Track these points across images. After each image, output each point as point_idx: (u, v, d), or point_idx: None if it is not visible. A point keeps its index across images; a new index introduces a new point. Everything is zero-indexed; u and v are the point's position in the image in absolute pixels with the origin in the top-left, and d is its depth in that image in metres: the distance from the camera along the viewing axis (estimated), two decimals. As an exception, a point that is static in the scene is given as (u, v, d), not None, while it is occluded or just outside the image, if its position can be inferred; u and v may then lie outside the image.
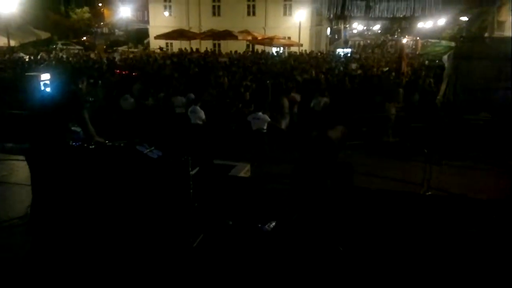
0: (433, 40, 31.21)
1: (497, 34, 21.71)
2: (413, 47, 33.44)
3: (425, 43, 31.94)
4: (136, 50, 37.96)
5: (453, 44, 14.62)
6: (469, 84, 11.98)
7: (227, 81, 15.80)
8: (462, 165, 10.12)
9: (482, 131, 11.28)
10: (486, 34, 20.89)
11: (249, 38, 32.35)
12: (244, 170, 8.27)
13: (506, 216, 5.61)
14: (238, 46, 32.33)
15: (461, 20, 35.68)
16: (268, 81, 14.04)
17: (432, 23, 46.52)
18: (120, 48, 38.72)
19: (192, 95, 11.89)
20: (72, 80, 5.15)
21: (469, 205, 6.33)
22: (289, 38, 34.71)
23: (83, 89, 5.35)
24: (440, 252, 4.60)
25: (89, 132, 4.86)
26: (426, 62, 20.62)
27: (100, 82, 13.46)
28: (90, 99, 12.63)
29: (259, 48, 33.32)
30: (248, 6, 38.80)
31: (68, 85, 5.02)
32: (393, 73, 17.71)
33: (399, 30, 61.12)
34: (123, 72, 17.98)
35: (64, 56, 27.79)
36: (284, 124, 11.61)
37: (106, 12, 54.52)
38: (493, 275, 4.19)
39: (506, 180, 9.38)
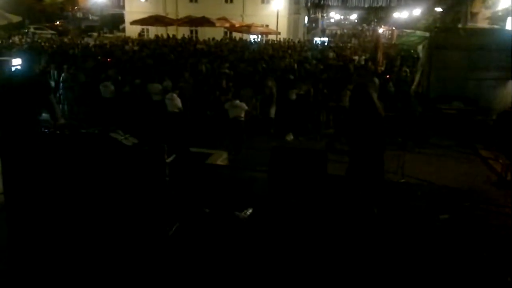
0: (408, 30, 31.55)
1: (470, 25, 22.09)
2: (389, 37, 33.74)
3: (400, 33, 32.28)
4: (111, 35, 37.18)
5: (427, 34, 14.78)
6: (442, 74, 12.20)
7: (204, 68, 15.66)
8: (436, 153, 10.36)
9: (455, 120, 11.55)
10: (460, 25, 21.23)
11: (227, 25, 32.06)
12: (221, 158, 8.27)
13: (478, 202, 5.78)
14: (215, 33, 32.02)
15: (436, 11, 36.18)
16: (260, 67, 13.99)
17: (408, 14, 47.10)
18: (95, 34, 37.87)
19: (169, 83, 11.76)
20: (41, 65, 5.05)
21: (441, 192, 6.50)
22: (267, 26, 34.57)
23: (53, 73, 5.27)
24: (413, 237, 4.71)
25: (55, 115, 4.77)
26: (402, 52, 20.85)
27: (74, 68, 13.16)
28: (69, 84, 12.42)
29: (236, 35, 33.09)
30: (226, -7, 38.45)
31: (33, 70, 4.90)
32: (370, 63, 17.87)
33: (375, 20, 61.60)
34: (100, 59, 17.61)
35: (36, 40, 27.00)
36: (272, 111, 11.67)
37: (79, -4, 53.09)
38: (466, 259, 4.32)
39: (478, 168, 9.66)
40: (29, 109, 4.62)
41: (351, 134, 4.73)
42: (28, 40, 27.46)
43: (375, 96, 4.65)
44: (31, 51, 18.47)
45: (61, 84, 12.50)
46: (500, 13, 23.28)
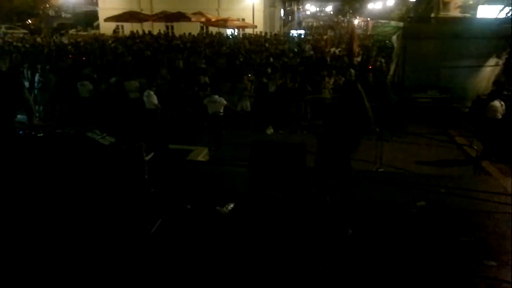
0: (383, 21, 31.93)
1: (442, 14, 22.40)
2: (364, 27, 34.07)
3: (375, 24, 32.63)
4: (85, 33, 36.51)
5: (401, 24, 14.99)
6: (417, 63, 12.39)
7: (182, 64, 15.56)
8: (412, 141, 10.55)
9: (430, 108, 11.78)
10: (432, 15, 21.53)
11: (203, 20, 31.81)
12: (202, 154, 8.27)
13: (454, 190, 5.92)
14: (191, 28, 31.77)
15: (409, 1, 36.60)
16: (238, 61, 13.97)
17: (382, 4, 47.56)
18: (69, 32, 37.12)
19: (144, 80, 11.66)
20: (7, 64, 4.96)
21: (418, 179, 6.64)
22: (243, 19, 34.44)
23: (26, 73, 5.20)
24: (393, 225, 4.81)
25: (31, 112, 4.71)
26: (377, 43, 21.09)
27: (48, 68, 12.91)
28: (43, 84, 12.17)
29: (213, 30, 32.90)
30: (201, -13, 38.13)
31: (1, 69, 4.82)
32: (345, 54, 18.02)
33: (350, 11, 62.02)
34: (76, 58, 17.31)
35: (7, 39, 26.34)
36: (245, 105, 11.68)
37: (51, -7, 51.88)
38: (442, 244, 4.44)
39: (454, 154, 9.89)
40: (2, 108, 4.54)
41: (332, 125, 4.68)
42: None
43: (365, 96, 4.60)
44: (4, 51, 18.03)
45: (35, 84, 12.26)
46: (471, 2, 23.71)
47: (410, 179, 6.79)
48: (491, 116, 9.09)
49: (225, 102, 10.09)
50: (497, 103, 9.13)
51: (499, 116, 9.07)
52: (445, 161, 9.31)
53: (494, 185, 6.23)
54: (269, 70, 13.34)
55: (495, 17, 15.77)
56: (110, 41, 25.14)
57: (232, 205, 5.14)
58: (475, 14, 20.86)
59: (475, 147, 9.25)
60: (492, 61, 12.32)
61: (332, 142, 4.54)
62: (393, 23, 22.35)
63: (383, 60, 16.32)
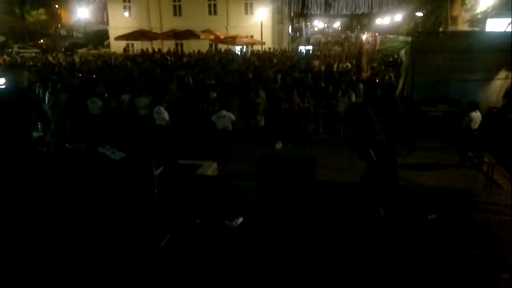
0: (391, 36, 32.04)
1: (451, 28, 22.47)
2: (373, 43, 34.20)
3: (383, 39, 32.76)
4: (96, 52, 37.11)
5: (409, 39, 15.04)
6: (425, 77, 12.37)
7: (191, 81, 15.71)
8: (423, 155, 10.47)
9: (440, 122, 11.72)
10: (441, 29, 21.59)
11: (212, 37, 32.20)
12: (211, 169, 8.28)
13: (465, 204, 5.85)
14: (200, 46, 32.14)
15: (417, 16, 36.76)
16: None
17: (390, 20, 47.78)
18: (80, 50, 37.76)
19: (150, 97, 11.82)
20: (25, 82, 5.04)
21: (429, 193, 6.57)
22: (251, 36, 34.80)
23: (38, 91, 5.31)
24: (404, 238, 4.76)
25: (49, 124, 4.80)
26: (390, 58, 21.13)
27: (59, 85, 13.13)
28: (51, 102, 12.35)
29: (222, 47, 33.26)
30: (210, 6, 38.64)
31: (19, 85, 4.88)
32: (354, 69, 18.09)
33: (358, 27, 62.39)
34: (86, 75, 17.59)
35: (18, 59, 26.86)
36: (259, 120, 11.75)
37: (63, 13, 52.90)
38: (455, 257, 4.37)
39: (465, 168, 9.79)
40: (21, 124, 4.63)
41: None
42: (12, 59, 27.29)
43: (374, 119, 4.44)
44: (14, 69, 18.35)
45: (46, 102, 12.45)
46: (479, 16, 23.76)
47: (421, 192, 6.72)
48: (471, 127, 9.84)
49: (233, 118, 10.15)
50: (474, 114, 9.82)
51: (475, 127, 9.85)
52: (455, 174, 9.23)
53: (505, 197, 6.15)
54: (278, 86, 13.41)
55: (504, 30, 15.77)
56: (120, 59, 25.52)
57: (241, 219, 5.13)
58: (484, 27, 20.88)
59: (486, 160, 9.17)
60: (502, 74, 12.27)
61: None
62: (401, 38, 22.43)
63: (392, 75, 16.34)
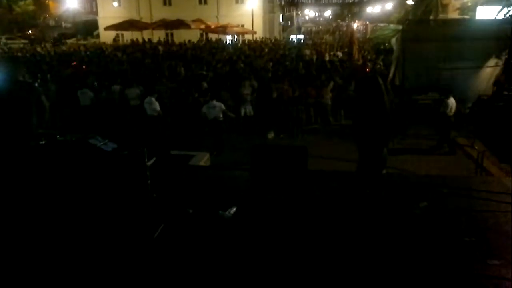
0: (381, 24, 31.97)
1: (441, 16, 22.49)
2: (363, 31, 34.16)
3: (374, 27, 32.70)
4: (85, 42, 36.71)
5: (400, 27, 15.04)
6: (416, 65, 12.39)
7: (183, 71, 15.63)
8: (413, 143, 10.55)
9: (431, 110, 11.77)
10: (431, 17, 21.60)
11: (202, 26, 32.00)
12: (204, 159, 8.28)
13: (455, 191, 5.90)
14: (191, 35, 31.96)
15: (408, 4, 36.73)
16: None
17: (380, 8, 47.72)
18: (69, 41, 37.34)
19: (141, 88, 11.75)
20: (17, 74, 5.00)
21: (420, 181, 6.63)
22: (242, 26, 34.62)
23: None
24: (395, 226, 4.81)
25: (45, 117, 4.79)
26: (381, 46, 21.12)
27: (49, 76, 13.00)
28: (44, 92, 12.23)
29: (212, 36, 33.06)
30: (200, -5, 38.41)
31: (16, 76, 4.85)
32: (345, 58, 18.09)
33: (349, 15, 62.24)
34: (75, 64, 17.43)
35: (6, 50, 26.52)
36: (248, 110, 11.76)
37: (51, 4, 52.16)
38: (446, 244, 4.43)
39: (455, 156, 9.89)
40: (24, 114, 4.61)
41: (359, 123, 4.99)
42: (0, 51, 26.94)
43: (383, 88, 4.97)
44: (7, 60, 18.16)
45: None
46: (469, 4, 23.79)
47: (411, 180, 6.78)
48: (447, 113, 10.16)
49: (223, 107, 10.14)
50: (449, 101, 10.18)
51: (451, 113, 10.17)
52: (446, 161, 9.31)
53: (496, 185, 6.22)
54: (269, 75, 13.38)
55: (494, 18, 15.82)
56: (110, 49, 25.29)
57: (234, 209, 5.14)
58: (474, 15, 20.93)
59: (476, 147, 9.25)
60: (492, 61, 12.33)
61: (363, 135, 4.82)
62: (392, 26, 22.36)
63: (381, 63, 16.35)
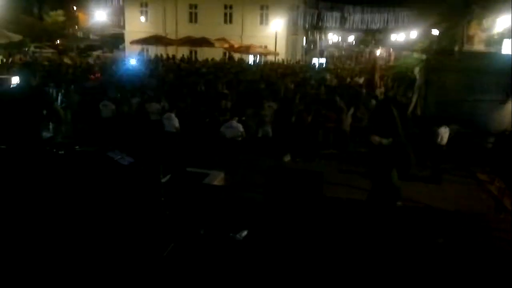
0: (405, 52, 31.94)
1: (466, 47, 22.33)
2: (387, 58, 34.13)
3: (397, 55, 32.67)
4: (111, 54, 37.49)
5: (424, 56, 14.97)
6: (439, 96, 12.26)
7: (204, 89, 15.78)
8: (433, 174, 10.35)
9: (452, 142, 11.57)
10: (456, 48, 21.47)
11: (226, 46, 32.40)
12: (218, 179, 8.25)
13: (474, 227, 5.75)
14: (214, 54, 32.32)
15: (432, 34, 36.65)
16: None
17: (405, 36, 47.66)
18: (95, 53, 38.16)
19: (166, 103, 11.86)
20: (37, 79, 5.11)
21: (437, 215, 6.47)
22: (265, 46, 34.92)
23: (51, 92, 5.40)
24: (409, 261, 4.68)
25: (61, 121, 4.86)
26: (400, 74, 21.04)
27: (73, 87, 13.27)
28: (63, 103, 12.48)
29: (235, 56, 33.42)
30: (225, 14, 38.95)
31: (30, 83, 4.94)
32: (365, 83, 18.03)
33: (373, 42, 62.31)
34: (98, 76, 17.77)
35: (33, 59, 27.20)
36: (266, 131, 11.75)
37: (81, 16, 53.61)
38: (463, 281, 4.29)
39: (475, 191, 9.66)
40: (31, 120, 4.68)
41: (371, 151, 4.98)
42: (27, 59, 27.67)
43: (396, 115, 4.95)
44: (27, 67, 18.63)
45: (59, 103, 12.57)
46: (496, 37, 23.58)
47: (429, 214, 6.63)
48: (438, 142, 10.21)
49: (241, 129, 10.14)
50: (442, 129, 10.21)
51: (443, 142, 10.22)
52: (466, 197, 9.10)
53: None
54: (290, 97, 13.39)
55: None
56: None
57: (246, 232, 5.08)
58: (500, 49, 20.70)
59: (497, 184, 9.03)
60: (517, 97, 12.11)
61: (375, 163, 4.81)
62: (415, 55, 22.31)
63: (400, 93, 16.22)
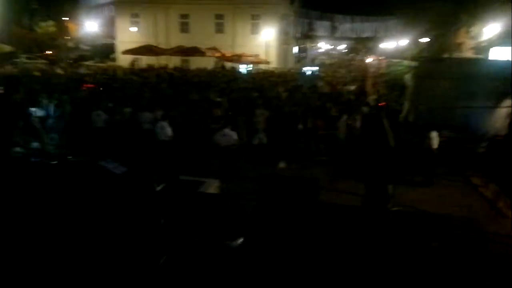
0: (395, 60, 32.21)
1: (455, 55, 22.55)
2: (377, 66, 34.36)
3: (388, 63, 32.93)
4: (102, 64, 37.37)
5: (414, 64, 15.09)
6: (430, 103, 12.34)
7: (196, 97, 15.76)
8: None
9: (445, 148, 11.64)
10: (446, 55, 21.66)
11: (217, 55, 32.47)
12: (213, 187, 8.20)
13: (469, 230, 5.77)
14: (206, 63, 32.37)
15: (421, 42, 36.98)
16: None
17: (395, 44, 48.09)
18: (86, 63, 38.02)
19: (160, 112, 11.82)
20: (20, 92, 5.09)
21: (432, 220, 6.49)
22: (257, 55, 35.03)
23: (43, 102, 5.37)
24: (404, 265, 4.68)
25: (42, 139, 4.82)
26: (395, 82, 21.20)
27: (65, 97, 13.19)
28: (56, 113, 12.39)
29: (227, 65, 33.48)
30: (217, 24, 39.09)
31: (7, 95, 4.94)
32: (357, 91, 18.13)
33: (363, 50, 62.75)
34: (90, 86, 17.66)
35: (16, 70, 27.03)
36: (262, 138, 11.74)
37: (71, 26, 53.48)
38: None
39: (469, 195, 9.70)
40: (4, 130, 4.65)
41: (363, 160, 5.01)
42: (16, 69, 27.50)
43: (386, 124, 4.98)
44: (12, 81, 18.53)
45: (51, 113, 12.48)
46: (484, 44, 23.86)
47: (424, 219, 6.64)
48: (429, 147, 10.31)
49: (235, 137, 10.13)
50: (432, 135, 10.31)
51: (435, 146, 10.31)
52: (460, 201, 9.13)
53: (510, 227, 6.06)
54: (282, 105, 13.42)
55: (508, 59, 15.79)
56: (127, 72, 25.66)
57: (241, 240, 5.05)
58: (488, 55, 20.95)
59: (491, 188, 9.08)
60: (508, 102, 12.24)
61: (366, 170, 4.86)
62: (406, 62, 22.53)
63: (394, 99, 16.32)
